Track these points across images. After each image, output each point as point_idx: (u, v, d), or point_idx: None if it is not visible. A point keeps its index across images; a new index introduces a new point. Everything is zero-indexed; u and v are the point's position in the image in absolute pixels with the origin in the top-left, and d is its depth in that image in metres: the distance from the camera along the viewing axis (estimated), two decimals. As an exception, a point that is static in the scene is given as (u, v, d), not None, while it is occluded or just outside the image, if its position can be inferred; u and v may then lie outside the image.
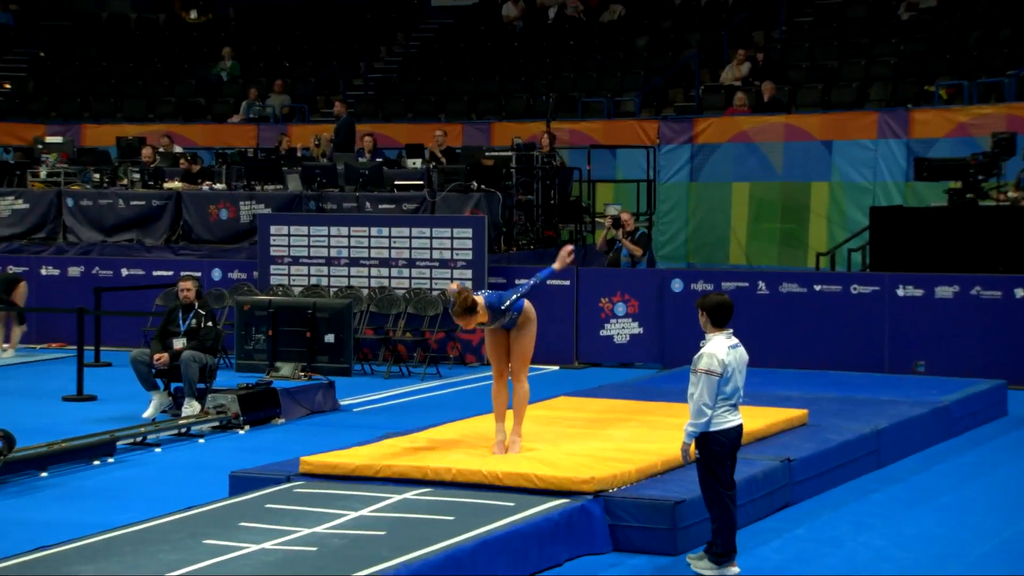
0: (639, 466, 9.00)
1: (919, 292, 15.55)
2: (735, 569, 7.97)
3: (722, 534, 7.95)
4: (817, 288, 15.99)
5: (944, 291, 15.46)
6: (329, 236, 17.78)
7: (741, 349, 8.00)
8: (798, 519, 9.42)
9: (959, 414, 12.83)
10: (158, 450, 11.84)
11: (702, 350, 7.91)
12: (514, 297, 9.30)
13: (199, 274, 16.83)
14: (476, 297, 9.24)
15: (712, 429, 7.90)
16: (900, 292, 15.62)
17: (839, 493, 10.24)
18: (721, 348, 7.87)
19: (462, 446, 9.78)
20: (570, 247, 9.65)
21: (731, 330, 8.00)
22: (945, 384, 14.02)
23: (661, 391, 13.05)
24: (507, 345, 9.36)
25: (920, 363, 15.47)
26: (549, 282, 16.59)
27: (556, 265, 9.50)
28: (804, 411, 11.52)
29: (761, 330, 15.56)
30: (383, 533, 7.72)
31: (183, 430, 12.42)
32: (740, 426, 8.01)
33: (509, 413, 9.55)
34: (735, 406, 7.97)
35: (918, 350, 15.50)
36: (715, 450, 7.91)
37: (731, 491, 7.99)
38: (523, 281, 9.40)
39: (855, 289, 15.83)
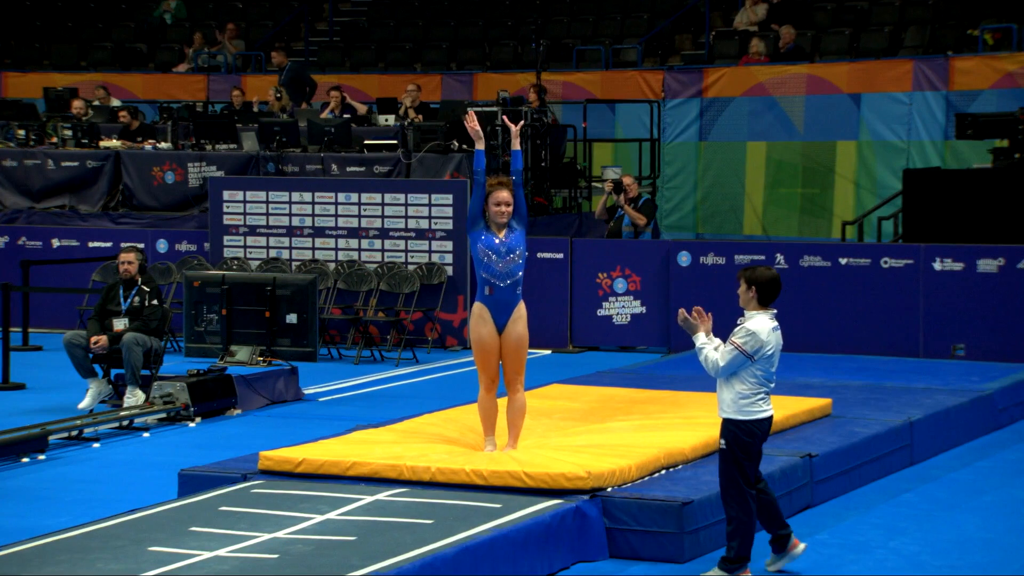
0: (640, 462, 9.07)
1: (959, 266, 15.63)
2: (748, 578, 8.09)
3: (738, 537, 8.05)
4: (843, 261, 16.06)
5: (987, 264, 15.54)
6: (290, 203, 17.78)
7: (779, 332, 8.14)
8: (820, 522, 9.50)
9: (1003, 404, 12.92)
10: (96, 445, 11.88)
11: (743, 324, 8.05)
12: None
13: (142, 245, 16.80)
14: None
15: (745, 418, 8.03)
16: (937, 266, 15.70)
17: (867, 493, 10.32)
18: (765, 328, 8.04)
19: (442, 440, 9.83)
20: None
21: (775, 310, 8.13)
22: (988, 370, 14.11)
23: (665, 378, 13.13)
24: (499, 351, 9.38)
25: (959, 346, 15.57)
26: (539, 255, 16.86)
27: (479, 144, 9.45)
28: (828, 400, 11.60)
29: (780, 309, 15.54)
30: (353, 539, 7.78)
31: (125, 423, 12.45)
32: (771, 417, 8.18)
33: (501, 426, 9.60)
34: (768, 394, 8.11)
35: (957, 332, 15.59)
36: (746, 441, 8.04)
37: (753, 490, 8.10)
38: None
39: (886, 262, 15.91)
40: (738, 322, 8.10)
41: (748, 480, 8.06)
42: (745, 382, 8.03)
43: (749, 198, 21.62)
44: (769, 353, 8.04)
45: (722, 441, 8.10)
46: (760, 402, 8.07)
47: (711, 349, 8.09)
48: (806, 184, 21.30)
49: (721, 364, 8.02)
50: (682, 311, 8.23)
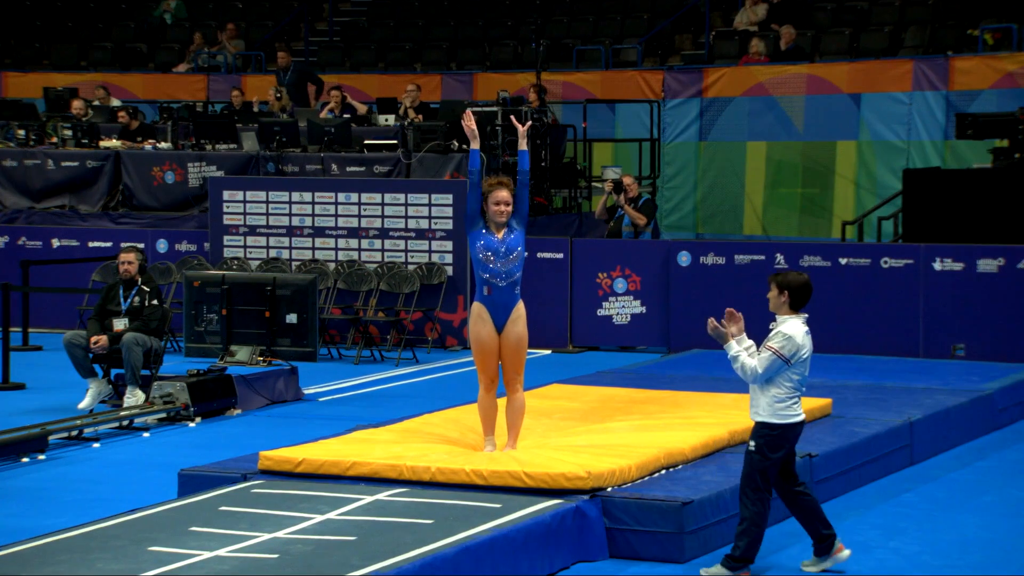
0: (640, 462, 9.08)
1: (958, 266, 15.62)
2: (748, 579, 8.10)
3: (747, 537, 8.07)
4: (843, 261, 16.06)
5: (987, 264, 15.54)
6: (290, 203, 17.78)
7: (810, 336, 8.21)
8: (821, 522, 9.50)
9: (1003, 404, 12.92)
10: (96, 445, 11.88)
11: (778, 328, 8.08)
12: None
13: (142, 245, 16.80)
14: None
15: (780, 421, 8.07)
16: (937, 266, 15.70)
17: (867, 493, 10.33)
18: (799, 332, 8.09)
19: (442, 440, 9.84)
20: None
21: (807, 315, 8.18)
22: (988, 370, 14.11)
23: (666, 378, 13.13)
24: (498, 351, 9.34)
25: (959, 346, 15.57)
26: (539, 255, 16.86)
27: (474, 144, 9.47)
28: (828, 400, 11.60)
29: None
30: (353, 538, 7.78)
31: (125, 422, 12.45)
32: (803, 422, 8.24)
33: (501, 426, 9.59)
34: (800, 398, 8.17)
35: (957, 332, 15.58)
36: (778, 444, 8.09)
37: (770, 494, 8.13)
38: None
39: (886, 262, 15.91)
40: (771, 327, 8.12)
41: (769, 483, 8.11)
42: (781, 386, 8.08)
43: (749, 198, 21.62)
44: (805, 356, 8.11)
45: (751, 442, 8.11)
46: (794, 406, 8.12)
47: (746, 356, 8.10)
48: (806, 184, 21.30)
49: (760, 370, 8.04)
50: (711, 321, 8.21)
